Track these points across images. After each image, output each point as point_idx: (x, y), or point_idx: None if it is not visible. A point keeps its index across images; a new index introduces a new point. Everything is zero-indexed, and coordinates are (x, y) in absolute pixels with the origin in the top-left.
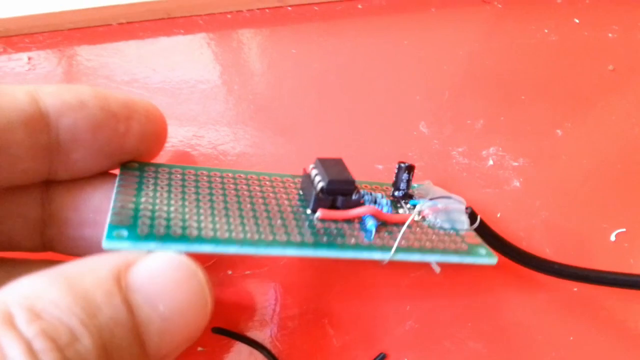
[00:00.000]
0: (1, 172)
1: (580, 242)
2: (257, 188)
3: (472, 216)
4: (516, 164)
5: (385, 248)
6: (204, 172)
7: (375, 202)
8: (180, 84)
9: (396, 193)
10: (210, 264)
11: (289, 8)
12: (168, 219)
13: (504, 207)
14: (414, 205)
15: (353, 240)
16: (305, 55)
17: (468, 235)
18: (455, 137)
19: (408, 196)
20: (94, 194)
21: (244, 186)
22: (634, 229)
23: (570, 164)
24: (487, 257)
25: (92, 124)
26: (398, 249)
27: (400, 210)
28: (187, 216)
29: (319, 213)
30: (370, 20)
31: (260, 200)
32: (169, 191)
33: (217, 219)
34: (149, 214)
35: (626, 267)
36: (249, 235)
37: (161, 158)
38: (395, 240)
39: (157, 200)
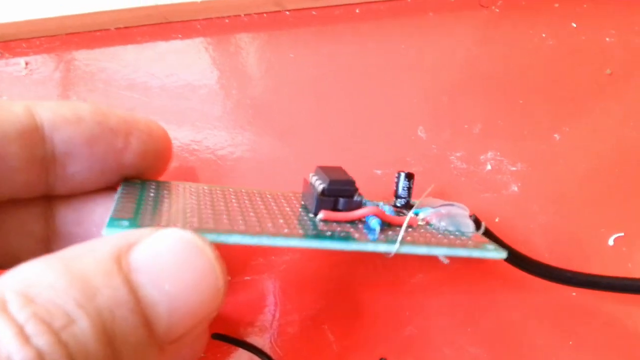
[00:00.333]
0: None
1: (579, 246)
2: (258, 202)
3: (476, 223)
4: (514, 168)
5: (391, 241)
6: (204, 188)
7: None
8: (178, 88)
9: (398, 202)
10: None
11: (287, 12)
12: (169, 215)
13: (502, 211)
14: (417, 214)
15: (357, 235)
16: (303, 59)
17: (475, 237)
18: (453, 141)
19: (410, 206)
20: (97, 209)
21: (244, 196)
22: (631, 233)
23: (568, 168)
24: (495, 251)
25: (87, 138)
26: (404, 243)
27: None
28: (188, 214)
29: (321, 214)
30: (368, 25)
31: (262, 207)
32: (170, 199)
33: (217, 216)
34: (150, 209)
35: (624, 271)
36: (250, 227)
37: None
38: (400, 232)
39: (158, 205)
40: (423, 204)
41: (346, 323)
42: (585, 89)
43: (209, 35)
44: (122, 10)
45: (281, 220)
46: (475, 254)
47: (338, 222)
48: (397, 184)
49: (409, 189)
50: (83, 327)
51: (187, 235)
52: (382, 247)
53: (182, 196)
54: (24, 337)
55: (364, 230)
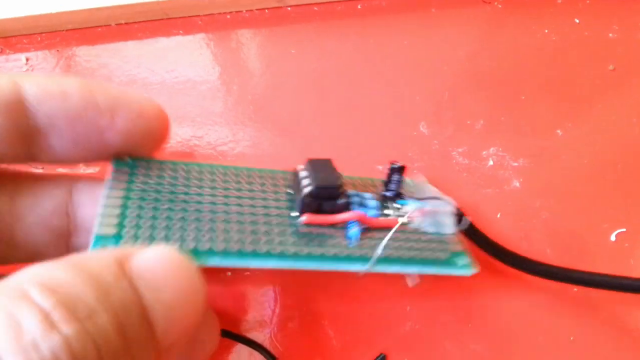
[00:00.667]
0: None
1: (581, 242)
2: (245, 186)
3: (461, 219)
4: (516, 164)
5: (365, 258)
6: (195, 168)
7: (361, 205)
8: (179, 84)
9: (386, 193)
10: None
11: (289, 8)
12: (152, 234)
13: (504, 207)
14: (402, 205)
15: (333, 252)
16: (304, 55)
17: (452, 241)
18: (456, 137)
19: (399, 195)
20: None
21: (233, 184)
22: (634, 229)
23: (570, 163)
24: (463, 268)
25: (70, 114)
26: (376, 261)
27: (388, 211)
28: (171, 232)
29: (304, 217)
30: (370, 21)
31: (248, 202)
32: (157, 199)
33: (201, 225)
34: (133, 231)
35: (626, 267)
36: (230, 244)
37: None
38: (376, 249)
39: (144, 212)
40: (412, 193)
41: (346, 318)
42: (588, 85)
43: (210, 31)
44: (123, 6)
45: (264, 227)
46: (444, 272)
47: (320, 225)
48: (388, 175)
49: (399, 182)
50: (103, 320)
51: (173, 253)
52: (354, 267)
53: (168, 196)
54: (50, 324)
55: (344, 237)
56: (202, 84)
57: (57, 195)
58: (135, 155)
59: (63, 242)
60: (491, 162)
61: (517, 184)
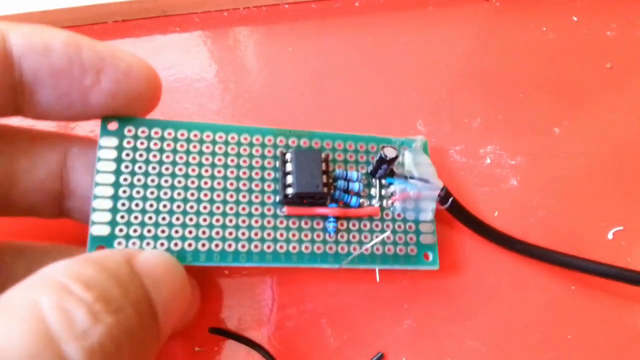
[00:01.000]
0: None
1: (578, 240)
2: (233, 161)
3: (446, 197)
4: (513, 162)
5: (338, 257)
6: (184, 132)
7: (346, 191)
8: (176, 82)
9: (373, 180)
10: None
11: (286, 6)
12: (142, 233)
13: (502, 205)
14: (389, 184)
15: (309, 250)
16: (302, 53)
17: (427, 230)
18: (453, 135)
19: (391, 166)
20: None
21: (221, 157)
22: (631, 227)
23: (567, 162)
24: (430, 264)
25: (53, 70)
26: (345, 258)
27: (372, 190)
28: (159, 229)
29: (285, 209)
30: (367, 18)
31: (234, 184)
32: (145, 185)
33: (187, 219)
34: (125, 230)
35: (623, 265)
36: (214, 243)
37: None
38: (352, 241)
39: (133, 204)
40: (401, 172)
41: (344, 317)
42: (585, 83)
43: (207, 29)
44: (120, 3)
45: (246, 219)
46: (413, 267)
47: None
48: (378, 161)
49: (386, 170)
50: (129, 313)
51: (166, 255)
52: (327, 265)
53: (156, 179)
54: (94, 315)
55: (324, 228)
56: (199, 82)
57: (53, 160)
58: (124, 116)
59: (57, 203)
60: (489, 161)
61: (515, 182)
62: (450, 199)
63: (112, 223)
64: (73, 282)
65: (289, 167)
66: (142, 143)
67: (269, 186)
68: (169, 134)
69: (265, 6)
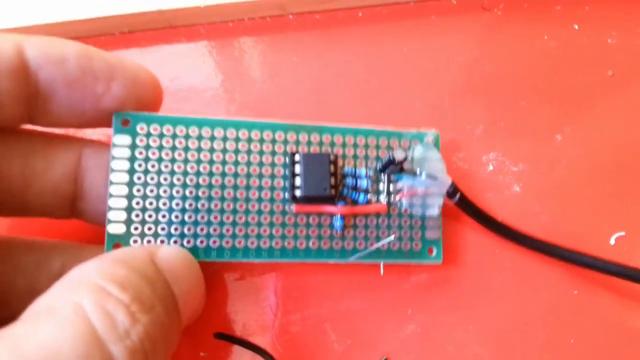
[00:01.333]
0: None
1: (580, 245)
2: (244, 158)
3: (454, 192)
4: (516, 169)
5: (344, 252)
6: (195, 129)
7: (354, 188)
8: (182, 92)
9: (381, 175)
10: (213, 270)
11: (290, 17)
12: (156, 231)
13: (505, 212)
14: (398, 180)
15: (316, 246)
16: (306, 63)
17: (432, 225)
18: (455, 142)
19: (400, 166)
20: None
21: (231, 154)
22: (633, 232)
23: (569, 168)
24: (434, 259)
25: (68, 80)
26: (353, 254)
27: (381, 185)
28: (173, 227)
29: (294, 207)
30: (371, 28)
31: (244, 181)
32: (158, 184)
33: (199, 217)
34: (140, 228)
35: None
36: (225, 240)
37: None
38: (358, 237)
39: (147, 203)
40: (410, 167)
41: (348, 322)
42: (587, 91)
43: (212, 39)
44: (126, 15)
45: (255, 217)
46: (417, 262)
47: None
48: (387, 162)
49: (393, 171)
50: (160, 310)
51: (183, 251)
52: (333, 261)
53: (169, 178)
54: (132, 316)
55: (331, 224)
56: (205, 92)
57: (68, 161)
58: (135, 112)
59: (69, 204)
60: (491, 167)
61: (517, 189)
62: (458, 194)
63: (128, 221)
64: (109, 283)
65: (297, 168)
66: (154, 141)
67: (278, 183)
68: (181, 131)
69: (269, 17)
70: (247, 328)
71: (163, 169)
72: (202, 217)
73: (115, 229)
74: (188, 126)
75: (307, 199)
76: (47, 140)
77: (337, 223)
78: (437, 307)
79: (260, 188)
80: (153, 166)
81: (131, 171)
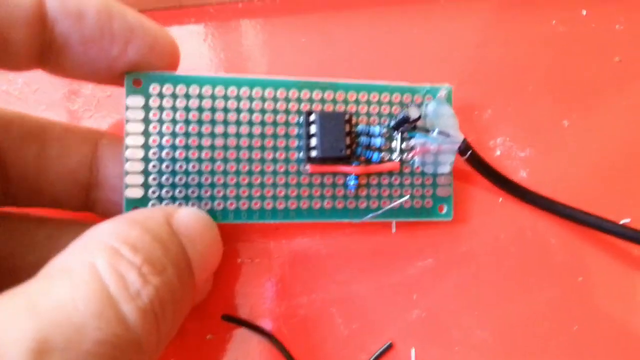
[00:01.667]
0: None
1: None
2: (258, 118)
3: (467, 149)
4: (523, 154)
5: (357, 212)
6: (209, 89)
7: (369, 137)
8: (191, 72)
9: (394, 132)
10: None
11: None
12: (174, 194)
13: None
14: (410, 137)
15: (330, 205)
16: (315, 44)
17: (444, 182)
18: (463, 127)
19: (413, 124)
20: None
21: (245, 114)
22: (638, 218)
23: (576, 154)
24: (444, 216)
25: (84, 37)
26: (365, 213)
27: (394, 143)
28: (190, 190)
29: (309, 167)
30: (379, 10)
31: (259, 142)
32: (173, 146)
33: (216, 179)
34: (157, 192)
35: (631, 257)
36: (241, 202)
37: None
38: (371, 196)
39: (163, 166)
40: (423, 125)
41: (354, 306)
42: (594, 77)
43: (221, 20)
44: None
45: (271, 178)
46: (428, 219)
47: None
48: (401, 119)
49: (407, 128)
50: (171, 272)
51: (201, 213)
52: (346, 220)
53: (184, 139)
54: (143, 277)
55: (345, 184)
56: (214, 73)
57: (84, 150)
58: (146, 72)
59: (83, 194)
60: (498, 152)
61: (524, 174)
62: (470, 151)
63: (145, 185)
64: (122, 245)
65: (313, 128)
66: (168, 102)
67: (292, 143)
68: (194, 90)
69: None
70: (254, 311)
71: (178, 130)
72: (219, 179)
73: (133, 193)
74: (202, 85)
75: (322, 160)
76: (64, 129)
77: (351, 182)
78: (442, 292)
79: (275, 148)
80: (167, 128)
81: (146, 134)
